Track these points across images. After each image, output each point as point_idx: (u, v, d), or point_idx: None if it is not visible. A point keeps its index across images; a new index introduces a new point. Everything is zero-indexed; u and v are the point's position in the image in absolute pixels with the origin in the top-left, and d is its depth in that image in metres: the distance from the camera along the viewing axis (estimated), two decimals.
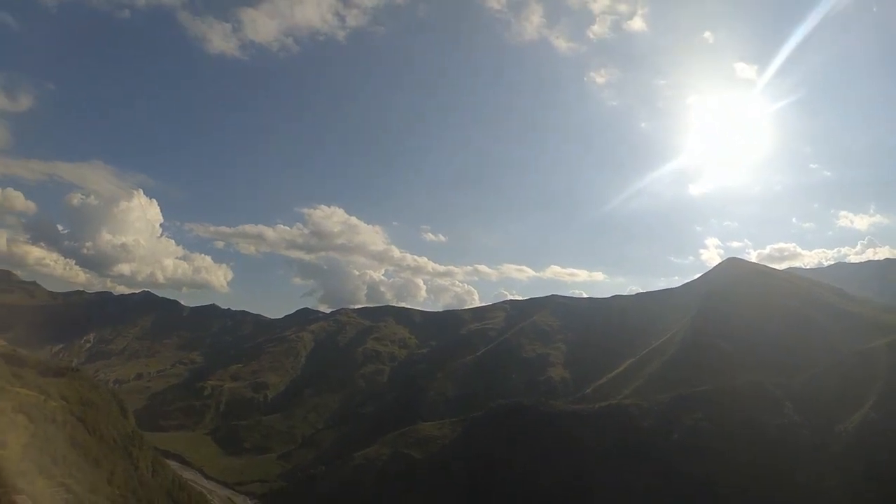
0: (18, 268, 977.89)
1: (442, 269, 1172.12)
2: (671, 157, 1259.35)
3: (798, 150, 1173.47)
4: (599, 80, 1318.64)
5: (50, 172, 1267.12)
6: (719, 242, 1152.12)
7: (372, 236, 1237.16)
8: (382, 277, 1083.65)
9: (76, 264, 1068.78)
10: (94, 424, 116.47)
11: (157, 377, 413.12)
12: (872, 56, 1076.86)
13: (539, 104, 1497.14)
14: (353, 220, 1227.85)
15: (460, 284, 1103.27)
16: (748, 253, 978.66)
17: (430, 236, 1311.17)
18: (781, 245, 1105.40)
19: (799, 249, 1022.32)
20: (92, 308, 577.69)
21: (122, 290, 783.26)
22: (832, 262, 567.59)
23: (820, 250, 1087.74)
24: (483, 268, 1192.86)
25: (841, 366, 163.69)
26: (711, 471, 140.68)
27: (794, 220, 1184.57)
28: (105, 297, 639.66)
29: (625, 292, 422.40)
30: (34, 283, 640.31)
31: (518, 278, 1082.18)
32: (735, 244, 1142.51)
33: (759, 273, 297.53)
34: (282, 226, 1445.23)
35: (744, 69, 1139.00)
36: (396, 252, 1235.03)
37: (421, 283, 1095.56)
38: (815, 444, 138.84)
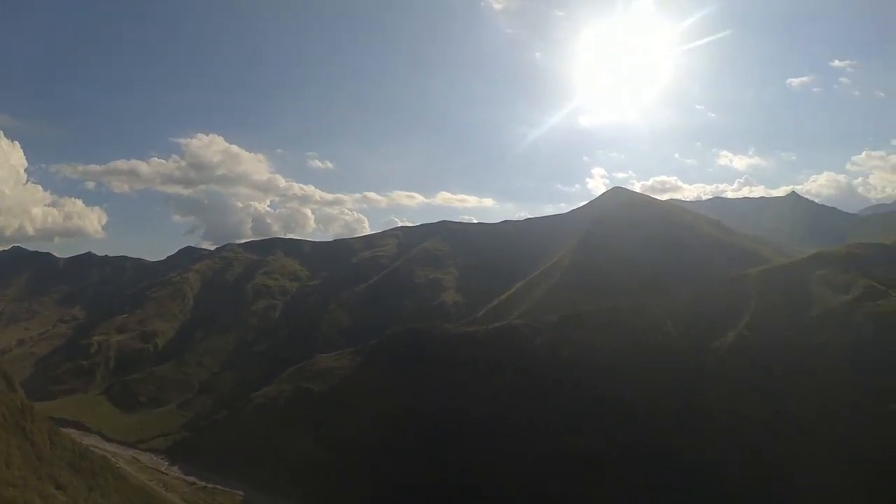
0: None
1: (330, 197, 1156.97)
2: (563, 88, 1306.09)
3: (686, 90, 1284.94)
4: (497, 5, 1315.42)
5: None
6: (605, 173, 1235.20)
7: (255, 165, 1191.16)
8: (268, 209, 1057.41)
9: None
10: None
11: (39, 340, 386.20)
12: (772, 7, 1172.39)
13: (431, 27, 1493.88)
14: (234, 148, 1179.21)
15: (350, 213, 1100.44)
16: (632, 184, 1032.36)
17: (317, 163, 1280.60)
18: (664, 178, 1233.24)
19: (680, 183, 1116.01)
20: None
21: None
22: (710, 197, 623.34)
23: (700, 185, 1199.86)
24: (373, 195, 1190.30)
25: (717, 289, 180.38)
26: (598, 384, 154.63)
27: (676, 155, 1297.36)
28: None
29: (514, 218, 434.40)
30: None
31: (408, 205, 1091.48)
32: (620, 175, 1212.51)
33: (643, 202, 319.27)
34: (156, 159, 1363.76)
35: (641, 6, 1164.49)
36: (282, 181, 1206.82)
37: (309, 212, 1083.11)
38: (693, 358, 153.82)
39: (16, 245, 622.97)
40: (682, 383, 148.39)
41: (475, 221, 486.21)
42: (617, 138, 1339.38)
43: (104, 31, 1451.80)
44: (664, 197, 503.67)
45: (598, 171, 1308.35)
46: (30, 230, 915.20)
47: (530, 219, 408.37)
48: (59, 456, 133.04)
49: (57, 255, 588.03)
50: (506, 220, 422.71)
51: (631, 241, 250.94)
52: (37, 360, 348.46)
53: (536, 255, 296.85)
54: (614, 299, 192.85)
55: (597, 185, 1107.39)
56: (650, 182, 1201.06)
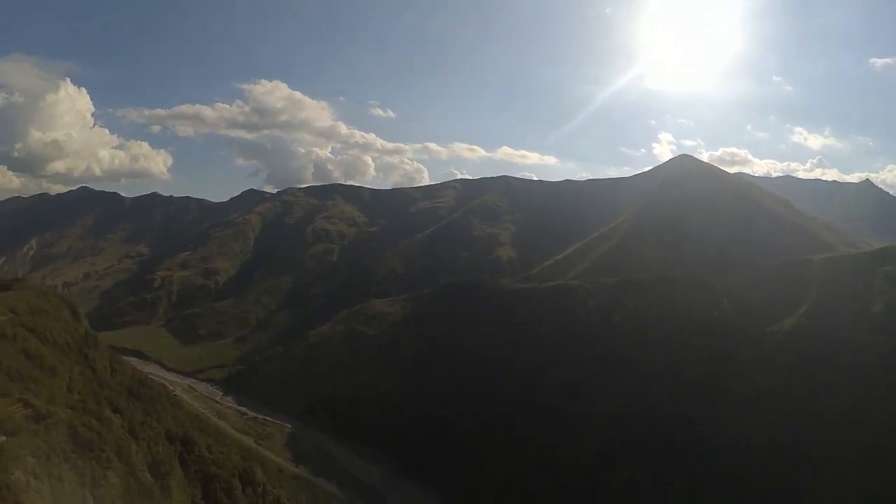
0: None
1: (391, 146, 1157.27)
2: (632, 48, 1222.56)
3: (763, 60, 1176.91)
4: None
5: None
6: (672, 139, 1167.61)
7: (317, 112, 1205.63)
8: (329, 155, 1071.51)
9: (8, 170, 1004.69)
10: (46, 332, 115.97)
11: (105, 275, 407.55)
12: None
13: None
14: (297, 95, 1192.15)
15: (410, 162, 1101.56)
16: (700, 153, 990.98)
17: (379, 112, 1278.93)
18: (733, 150, 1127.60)
19: (750, 156, 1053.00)
20: (30, 213, 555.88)
21: (58, 189, 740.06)
22: (781, 175, 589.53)
23: (770, 161, 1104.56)
24: (433, 146, 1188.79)
25: (779, 272, 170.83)
26: (647, 354, 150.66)
27: (748, 127, 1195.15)
28: (42, 200, 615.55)
29: (575, 178, 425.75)
30: None
31: (468, 158, 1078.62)
32: (688, 142, 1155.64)
33: (710, 173, 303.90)
34: (220, 104, 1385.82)
35: None
36: (343, 129, 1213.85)
37: (369, 160, 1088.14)
38: (747, 338, 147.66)
39: (83, 185, 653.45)
40: (732, 366, 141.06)
41: (535, 179, 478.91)
42: (686, 104, 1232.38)
43: None
44: (732, 169, 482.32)
45: (665, 136, 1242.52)
46: (97, 171, 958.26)
47: (592, 180, 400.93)
48: (118, 382, 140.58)
49: (123, 194, 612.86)
50: (567, 180, 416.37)
51: (695, 212, 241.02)
52: (102, 293, 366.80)
53: (596, 218, 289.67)
54: (672, 269, 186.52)
55: (663, 152, 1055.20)
56: (719, 153, 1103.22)
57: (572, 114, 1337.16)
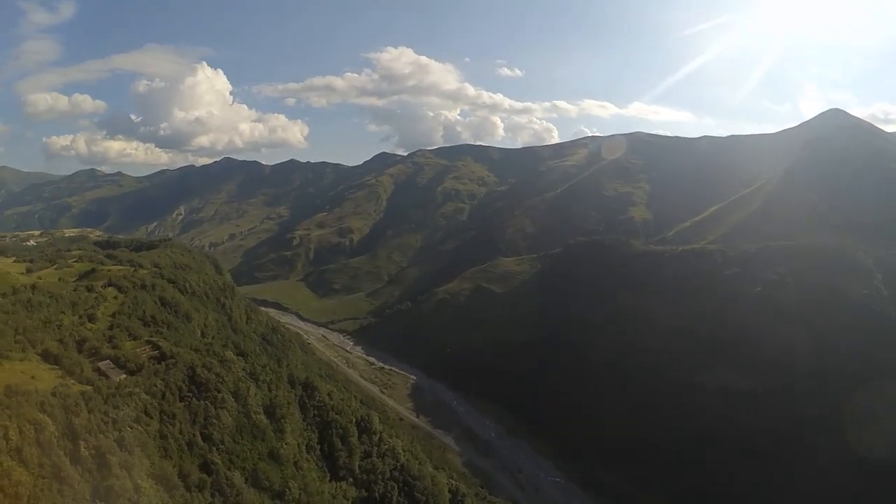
0: (102, 164, 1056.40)
1: (519, 105, 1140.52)
2: None
3: None
4: None
5: (109, 68, 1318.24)
6: (819, 93, 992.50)
7: (444, 75, 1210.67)
8: (458, 117, 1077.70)
9: (156, 147, 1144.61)
10: (186, 284, 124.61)
11: (248, 235, 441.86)
12: None
13: None
14: (423, 59, 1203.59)
15: (538, 122, 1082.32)
16: (850, 108, 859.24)
17: (506, 71, 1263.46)
18: (888, 106, 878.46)
19: None
20: (177, 183, 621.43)
21: (203, 161, 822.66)
22: None
23: None
24: (562, 104, 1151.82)
25: None
26: (789, 333, 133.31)
27: None
28: (188, 171, 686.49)
29: (713, 135, 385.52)
30: (119, 173, 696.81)
31: (599, 115, 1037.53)
32: (837, 97, 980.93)
33: (864, 130, 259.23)
34: (350, 73, 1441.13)
35: None
36: (471, 90, 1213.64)
37: (498, 121, 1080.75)
38: None
39: (227, 156, 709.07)
40: (884, 347, 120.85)
41: (670, 135, 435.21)
42: (836, 52, 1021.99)
43: None
44: (887, 129, 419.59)
45: (811, 89, 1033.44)
46: (239, 143, 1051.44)
47: (733, 136, 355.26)
48: (252, 329, 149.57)
49: (264, 163, 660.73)
50: (705, 136, 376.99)
51: (846, 173, 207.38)
52: (245, 251, 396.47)
53: (737, 178, 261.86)
54: (821, 237, 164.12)
55: (809, 106, 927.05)
56: (872, 108, 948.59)
57: (709, 66, 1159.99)
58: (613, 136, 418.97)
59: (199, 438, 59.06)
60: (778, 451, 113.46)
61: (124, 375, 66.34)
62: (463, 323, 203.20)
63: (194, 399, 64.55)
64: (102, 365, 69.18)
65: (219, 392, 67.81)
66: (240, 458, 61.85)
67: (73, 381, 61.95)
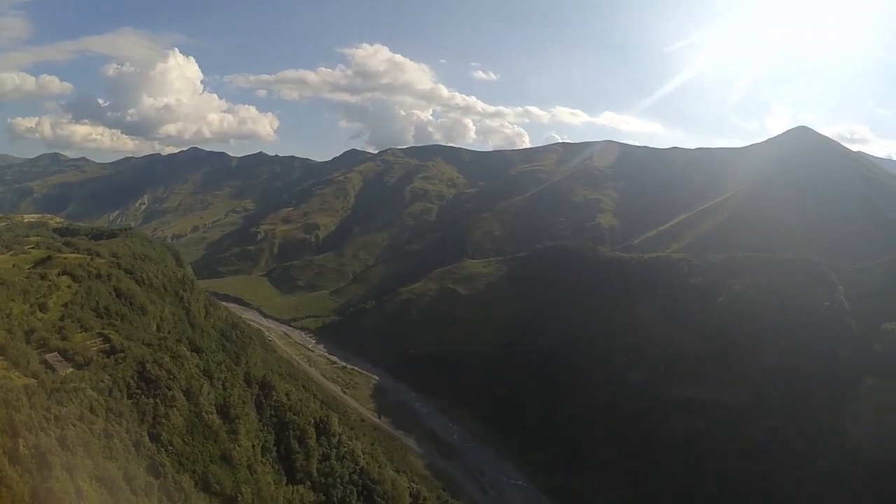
0: (67, 148, 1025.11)
1: (492, 109, 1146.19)
2: (743, 4, 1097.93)
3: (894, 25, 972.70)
4: None
5: (80, 49, 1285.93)
6: (787, 111, 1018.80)
7: (418, 75, 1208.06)
8: (430, 118, 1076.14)
9: (122, 133, 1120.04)
10: (143, 275, 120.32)
11: (212, 228, 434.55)
12: None
13: None
14: (398, 58, 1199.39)
15: (510, 126, 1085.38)
16: (818, 128, 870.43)
17: (480, 74, 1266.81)
18: (854, 126, 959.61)
19: (871, 135, 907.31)
20: (142, 172, 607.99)
21: (170, 150, 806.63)
22: None
23: (894, 142, 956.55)
24: (535, 109, 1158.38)
25: None
26: (752, 341, 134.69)
27: (870, 102, 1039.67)
28: (154, 159, 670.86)
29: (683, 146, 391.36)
30: (83, 158, 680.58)
31: (570, 122, 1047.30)
32: (804, 116, 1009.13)
33: (831, 149, 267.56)
34: (323, 68, 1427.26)
35: None
36: (444, 91, 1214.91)
37: (470, 123, 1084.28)
38: (860, 335, 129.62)
39: (194, 146, 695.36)
40: (842, 356, 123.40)
41: (640, 145, 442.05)
42: (805, 72, 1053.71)
43: None
44: (853, 148, 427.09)
45: (779, 107, 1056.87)
46: (207, 134, 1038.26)
47: (702, 149, 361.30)
48: (212, 324, 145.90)
49: (231, 154, 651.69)
50: (675, 147, 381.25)
51: (812, 190, 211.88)
52: (208, 244, 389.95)
53: (704, 189, 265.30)
54: (784, 250, 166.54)
55: (777, 125, 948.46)
56: (837, 128, 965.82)
57: (680, 79, 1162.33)
58: (584, 142, 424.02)
59: (147, 439, 55.97)
60: (743, 465, 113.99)
61: (71, 369, 62.95)
62: (428, 324, 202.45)
63: (143, 396, 61.46)
64: (50, 357, 65.59)
65: (169, 390, 64.84)
66: (190, 460, 58.85)
67: (17, 373, 58.57)
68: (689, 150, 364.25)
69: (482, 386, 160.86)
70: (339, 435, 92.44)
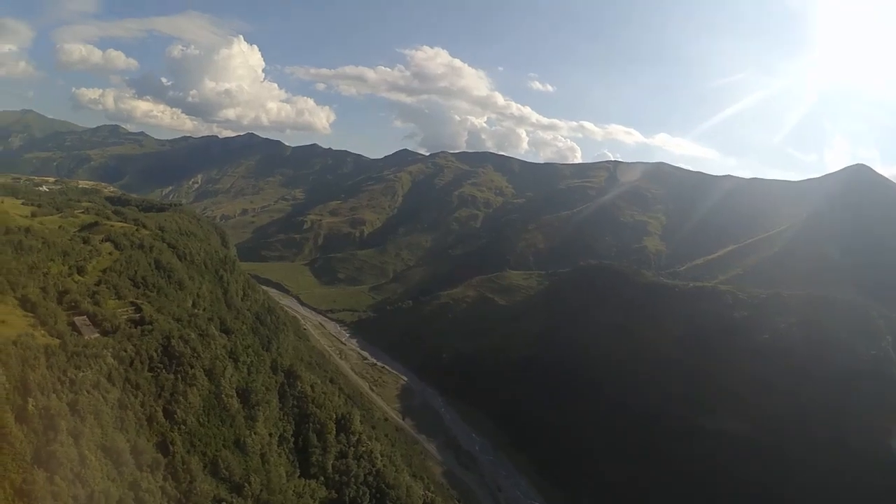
0: (127, 122, 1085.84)
1: (546, 121, 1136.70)
2: (809, 32, 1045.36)
3: None
4: None
5: (147, 28, 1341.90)
6: (847, 146, 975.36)
7: (475, 81, 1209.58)
8: (484, 125, 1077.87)
9: (182, 113, 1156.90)
10: (186, 251, 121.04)
11: (261, 212, 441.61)
12: None
13: None
14: (457, 62, 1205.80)
15: (563, 139, 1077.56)
16: (876, 165, 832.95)
17: (537, 85, 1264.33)
18: None
19: None
20: (198, 152, 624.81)
21: (227, 133, 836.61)
22: None
23: None
24: (589, 125, 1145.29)
25: None
26: (794, 383, 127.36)
27: None
28: (211, 141, 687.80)
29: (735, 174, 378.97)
30: (142, 133, 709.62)
31: (624, 141, 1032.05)
32: (864, 152, 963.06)
33: (888, 188, 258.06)
34: (383, 67, 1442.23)
35: None
36: (500, 99, 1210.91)
37: (523, 133, 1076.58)
38: None
39: (250, 132, 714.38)
40: (880, 417, 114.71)
41: (694, 170, 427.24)
42: (868, 106, 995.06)
43: None
44: None
45: (839, 141, 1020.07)
46: (265, 121, 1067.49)
47: (756, 178, 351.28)
48: (248, 307, 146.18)
49: (286, 143, 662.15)
50: (728, 175, 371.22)
51: (865, 230, 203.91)
52: (255, 228, 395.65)
53: (755, 221, 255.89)
54: (833, 291, 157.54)
55: (835, 158, 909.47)
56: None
57: (740, 106, 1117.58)
58: (637, 162, 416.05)
59: (161, 414, 55.08)
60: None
61: (97, 335, 62.61)
62: (462, 330, 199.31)
63: (164, 371, 60.75)
64: (78, 320, 65.51)
65: (192, 367, 64.01)
66: (202, 441, 57.70)
67: (43, 332, 58.45)
68: (743, 179, 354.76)
69: (511, 398, 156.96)
70: (360, 434, 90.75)
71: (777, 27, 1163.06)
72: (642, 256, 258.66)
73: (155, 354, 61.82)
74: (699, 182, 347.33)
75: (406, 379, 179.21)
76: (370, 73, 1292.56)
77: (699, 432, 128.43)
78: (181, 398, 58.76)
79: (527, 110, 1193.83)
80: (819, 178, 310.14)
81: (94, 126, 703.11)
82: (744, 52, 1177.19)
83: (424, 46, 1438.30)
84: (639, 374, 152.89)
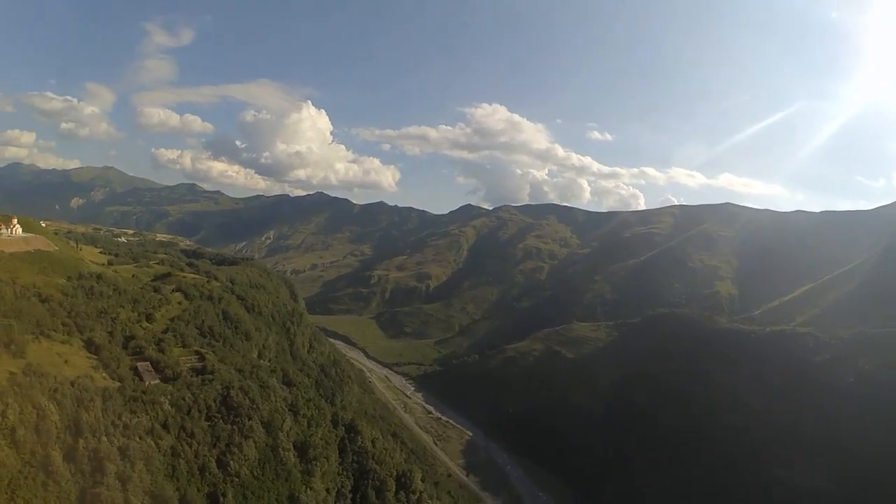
0: (204, 181, 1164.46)
1: (607, 170, 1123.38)
2: (865, 56, 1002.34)
3: None
4: None
5: (221, 94, 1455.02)
6: None
7: (535, 135, 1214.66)
8: (545, 177, 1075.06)
9: (256, 173, 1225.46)
10: (254, 303, 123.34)
11: (329, 267, 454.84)
12: None
13: None
14: (516, 117, 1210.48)
15: (626, 187, 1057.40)
16: None
17: (596, 135, 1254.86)
18: None
19: None
20: (270, 209, 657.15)
21: (298, 192, 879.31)
22: None
23: None
24: (650, 171, 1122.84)
25: None
26: (884, 433, 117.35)
27: None
28: (282, 199, 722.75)
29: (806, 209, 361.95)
30: (218, 191, 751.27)
31: (687, 184, 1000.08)
32: None
33: None
34: (444, 126, 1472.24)
35: None
36: (560, 151, 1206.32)
37: (585, 183, 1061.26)
38: None
39: (320, 191, 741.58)
40: None
41: (761, 208, 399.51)
42: None
43: (394, 10, 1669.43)
44: None
45: None
46: (333, 181, 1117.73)
47: (826, 211, 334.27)
48: (313, 359, 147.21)
49: (354, 201, 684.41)
50: (798, 210, 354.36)
51: None
52: (324, 282, 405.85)
53: (830, 256, 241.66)
54: None
55: None
56: None
57: (801, 138, 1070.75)
58: (703, 205, 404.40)
59: (214, 465, 54.26)
60: None
61: (157, 381, 63.27)
62: (528, 384, 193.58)
63: (221, 421, 60.28)
64: (141, 365, 66.80)
65: (249, 419, 63.33)
66: (255, 495, 56.40)
67: (104, 374, 59.79)
68: (814, 213, 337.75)
69: (580, 454, 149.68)
70: (420, 492, 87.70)
71: (826, 53, 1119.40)
72: (714, 302, 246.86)
73: (213, 404, 61.78)
74: (769, 220, 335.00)
75: (471, 434, 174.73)
76: (432, 132, 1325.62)
77: (777, 485, 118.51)
78: (236, 449, 57.99)
79: (587, 160, 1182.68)
80: (892, 203, 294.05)
81: (173, 184, 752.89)
82: (800, 81, 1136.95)
83: (483, 104, 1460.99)
84: (715, 425, 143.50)
